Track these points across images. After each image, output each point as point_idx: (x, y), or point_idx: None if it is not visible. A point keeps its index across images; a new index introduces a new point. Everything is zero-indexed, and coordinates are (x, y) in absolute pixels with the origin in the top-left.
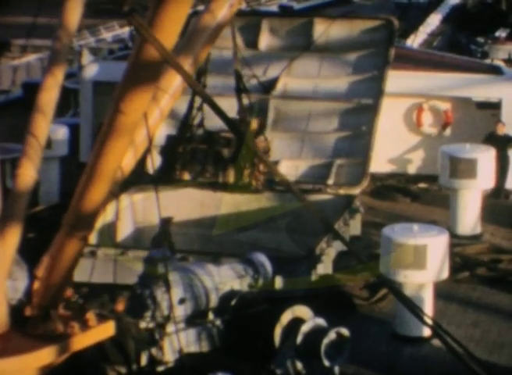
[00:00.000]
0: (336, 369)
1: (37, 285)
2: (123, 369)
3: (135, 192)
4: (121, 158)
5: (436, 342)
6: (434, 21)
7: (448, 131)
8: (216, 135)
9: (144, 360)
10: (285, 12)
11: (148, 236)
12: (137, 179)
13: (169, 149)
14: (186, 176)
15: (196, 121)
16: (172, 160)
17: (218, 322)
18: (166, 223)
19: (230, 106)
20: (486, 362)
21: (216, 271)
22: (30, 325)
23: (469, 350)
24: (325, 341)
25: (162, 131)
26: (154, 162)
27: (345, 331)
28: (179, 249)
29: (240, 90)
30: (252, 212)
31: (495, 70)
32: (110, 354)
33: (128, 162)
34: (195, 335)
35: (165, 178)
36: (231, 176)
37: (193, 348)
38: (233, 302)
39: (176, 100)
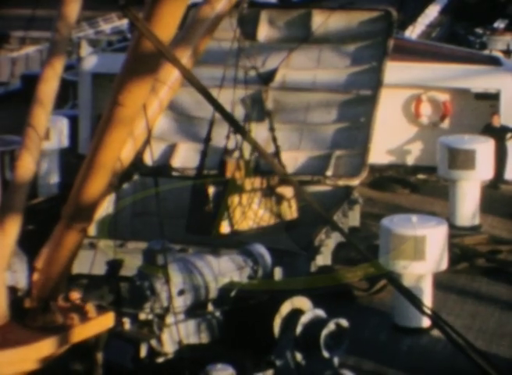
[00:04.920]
0: (336, 360)
1: (36, 277)
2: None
3: (134, 184)
4: (120, 150)
5: (436, 333)
6: (432, 12)
7: (446, 122)
8: None
9: (143, 352)
10: (284, 3)
11: (148, 228)
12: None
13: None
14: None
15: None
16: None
17: (217, 313)
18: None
19: (227, 98)
20: (485, 352)
21: (216, 262)
22: (30, 317)
23: (468, 340)
24: (325, 332)
25: (161, 123)
26: (153, 153)
27: (344, 322)
28: (178, 241)
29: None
30: None
31: (493, 61)
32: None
33: (127, 154)
34: (195, 326)
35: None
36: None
37: (192, 340)
38: (233, 293)
39: (176, 92)
